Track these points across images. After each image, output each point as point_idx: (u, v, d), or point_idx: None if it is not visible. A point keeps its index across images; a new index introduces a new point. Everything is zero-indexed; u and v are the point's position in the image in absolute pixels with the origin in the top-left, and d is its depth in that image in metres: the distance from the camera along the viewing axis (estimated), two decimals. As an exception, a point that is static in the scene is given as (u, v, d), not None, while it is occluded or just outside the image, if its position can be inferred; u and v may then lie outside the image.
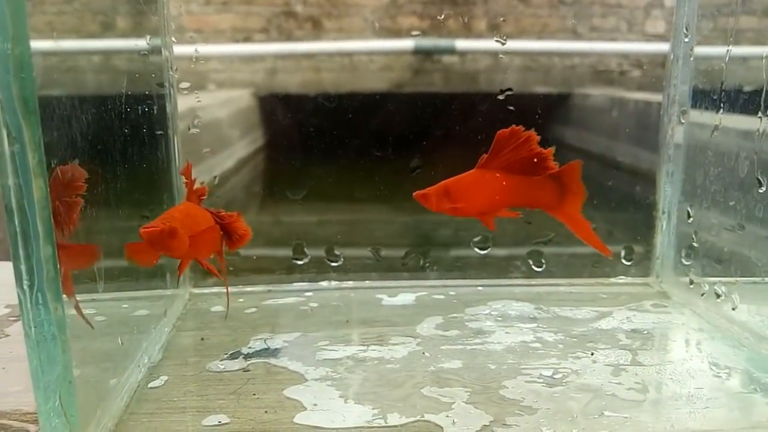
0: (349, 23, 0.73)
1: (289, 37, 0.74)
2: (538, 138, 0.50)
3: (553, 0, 0.73)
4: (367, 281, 0.73)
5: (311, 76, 0.74)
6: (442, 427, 0.44)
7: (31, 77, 0.32)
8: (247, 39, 0.75)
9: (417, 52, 0.74)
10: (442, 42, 0.73)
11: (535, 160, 0.51)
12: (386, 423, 0.44)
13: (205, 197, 0.58)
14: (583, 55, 0.76)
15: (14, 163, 0.32)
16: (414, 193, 0.52)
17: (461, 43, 0.74)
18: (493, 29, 0.70)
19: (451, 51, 0.75)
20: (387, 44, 0.74)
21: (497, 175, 0.51)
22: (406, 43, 0.74)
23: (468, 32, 0.71)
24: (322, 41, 0.74)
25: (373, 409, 0.46)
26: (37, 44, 0.33)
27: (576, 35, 0.73)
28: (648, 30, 0.75)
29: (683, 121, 0.69)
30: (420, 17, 0.72)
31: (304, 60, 0.75)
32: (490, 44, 0.71)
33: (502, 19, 0.69)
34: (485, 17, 0.71)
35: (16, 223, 0.33)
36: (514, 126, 0.50)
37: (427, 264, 0.74)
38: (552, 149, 0.50)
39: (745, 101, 0.58)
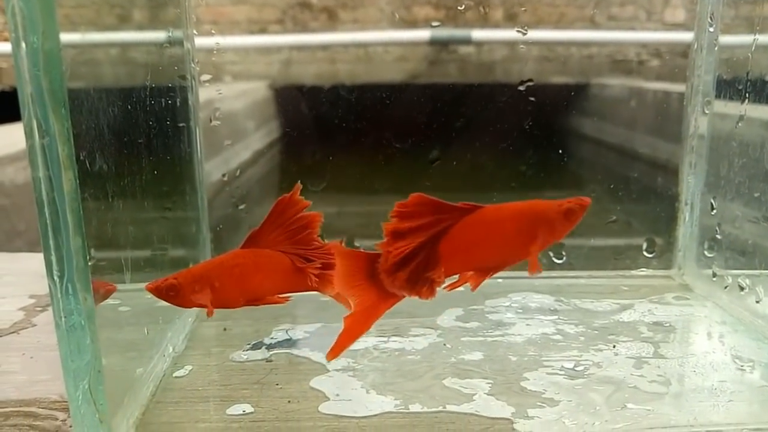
0: (364, 14, 0.73)
1: (304, 29, 0.74)
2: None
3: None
4: (386, 272, 0.73)
5: (326, 68, 0.74)
6: (465, 415, 0.44)
7: (61, 71, 0.33)
8: (263, 30, 0.75)
9: (433, 42, 0.74)
10: (458, 32, 0.73)
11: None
12: (408, 413, 0.45)
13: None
14: (602, 44, 0.75)
15: (44, 155, 0.33)
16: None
17: (478, 33, 0.73)
18: (510, 18, 0.69)
19: (468, 41, 0.74)
20: (403, 35, 0.74)
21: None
22: (423, 34, 0.74)
23: (485, 22, 0.71)
24: (338, 32, 0.74)
25: (395, 399, 0.46)
26: (65, 37, 0.34)
27: (594, 24, 0.73)
28: (667, 19, 0.74)
29: (707, 111, 0.68)
30: (435, 7, 0.72)
31: (319, 51, 0.75)
32: (507, 34, 0.70)
33: (523, 9, 0.69)
34: (502, 6, 0.70)
35: (47, 214, 0.34)
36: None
37: (447, 255, 0.74)
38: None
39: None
